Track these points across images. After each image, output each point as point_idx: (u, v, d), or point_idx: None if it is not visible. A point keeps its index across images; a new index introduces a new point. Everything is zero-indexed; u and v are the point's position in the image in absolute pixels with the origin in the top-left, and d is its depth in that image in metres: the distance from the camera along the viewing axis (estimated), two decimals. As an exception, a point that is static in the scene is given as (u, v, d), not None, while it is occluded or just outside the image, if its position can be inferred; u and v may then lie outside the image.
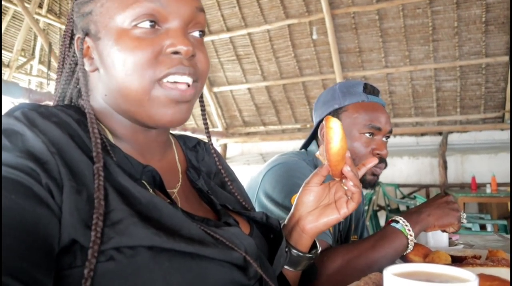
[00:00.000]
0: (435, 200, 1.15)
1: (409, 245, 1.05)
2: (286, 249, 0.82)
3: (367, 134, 1.33)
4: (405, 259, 1.10)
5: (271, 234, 0.81)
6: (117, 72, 0.64)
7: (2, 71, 7.09)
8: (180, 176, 0.78)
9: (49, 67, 6.61)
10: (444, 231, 1.12)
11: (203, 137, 0.92)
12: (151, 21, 0.63)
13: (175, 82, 0.64)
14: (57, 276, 0.50)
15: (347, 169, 0.80)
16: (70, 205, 0.52)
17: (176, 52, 0.64)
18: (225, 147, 8.83)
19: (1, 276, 0.41)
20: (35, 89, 7.45)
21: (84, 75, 0.68)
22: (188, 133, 6.83)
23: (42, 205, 0.50)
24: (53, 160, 0.54)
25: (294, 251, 0.86)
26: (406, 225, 1.06)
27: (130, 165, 0.65)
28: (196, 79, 0.67)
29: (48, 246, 0.48)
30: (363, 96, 1.37)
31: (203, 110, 0.83)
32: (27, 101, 4.59)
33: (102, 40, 0.65)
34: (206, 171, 0.86)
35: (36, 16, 6.33)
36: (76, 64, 0.72)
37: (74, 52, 0.72)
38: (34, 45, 7.74)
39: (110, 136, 0.68)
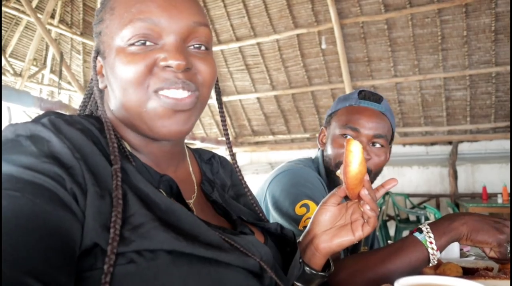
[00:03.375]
0: (483, 215, 1.01)
1: (430, 259, 0.95)
2: (300, 261, 0.82)
3: (344, 136, 1.32)
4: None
5: (286, 245, 0.81)
6: (117, 88, 0.67)
7: (15, 80, 7.19)
8: (195, 187, 0.79)
9: (60, 77, 6.69)
10: (483, 251, 0.99)
11: (211, 146, 0.93)
12: (144, 40, 0.65)
13: (172, 97, 0.65)
14: (78, 278, 0.51)
15: (364, 193, 0.79)
16: (93, 209, 0.54)
17: (168, 66, 0.65)
18: (234, 156, 8.82)
19: (24, 277, 0.43)
20: (46, 98, 7.55)
21: (98, 90, 0.72)
22: (197, 142, 6.85)
23: (66, 209, 0.51)
24: (78, 165, 0.56)
25: (307, 268, 0.85)
26: (430, 236, 0.96)
27: (148, 174, 0.67)
28: (196, 88, 0.68)
29: (70, 249, 0.50)
30: (353, 101, 1.38)
31: (223, 120, 0.84)
32: (38, 109, 4.64)
33: (107, 59, 0.69)
34: (220, 184, 0.87)
35: (48, 27, 6.43)
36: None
37: None
38: (46, 54, 7.85)
39: (127, 146, 0.70)
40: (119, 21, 0.67)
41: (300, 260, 0.82)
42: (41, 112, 0.72)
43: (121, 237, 0.53)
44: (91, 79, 0.76)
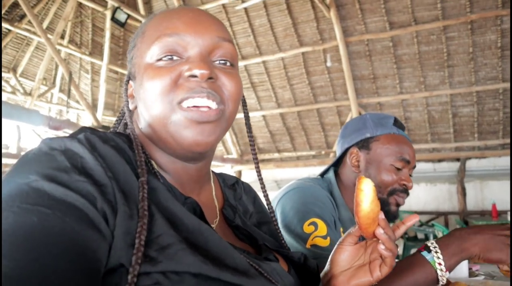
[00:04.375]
0: (492, 227, 0.98)
1: (439, 280, 0.93)
2: None
3: (397, 166, 1.34)
4: (423, 290, 1.07)
5: (307, 276, 0.79)
6: (145, 103, 0.68)
7: (24, 99, 7.29)
8: (218, 212, 0.79)
9: (68, 96, 6.77)
10: (498, 266, 0.97)
11: (216, 164, 0.93)
12: (171, 54, 0.68)
13: (196, 106, 0.66)
14: None
15: (379, 232, 0.75)
16: (122, 229, 0.53)
17: (193, 76, 0.66)
18: (239, 173, 8.83)
19: None
20: (55, 116, 7.63)
21: (128, 110, 0.74)
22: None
23: (94, 229, 0.51)
24: (110, 184, 0.56)
25: None
26: (438, 257, 0.94)
27: (174, 194, 0.67)
28: (221, 101, 0.68)
29: (95, 270, 0.49)
30: (394, 129, 1.40)
31: (252, 144, 0.84)
32: (47, 128, 4.69)
33: (137, 79, 0.71)
34: (242, 211, 0.87)
35: (58, 47, 6.54)
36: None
37: None
38: (55, 74, 7.97)
39: (155, 165, 0.70)
40: (149, 41, 0.69)
41: None
42: (49, 130, 0.73)
43: (148, 257, 0.53)
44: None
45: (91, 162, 0.57)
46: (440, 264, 0.93)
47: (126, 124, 0.80)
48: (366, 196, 0.72)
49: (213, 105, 0.66)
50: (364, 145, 1.41)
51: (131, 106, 0.75)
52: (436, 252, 0.94)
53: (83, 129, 0.65)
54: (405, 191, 1.34)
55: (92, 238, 0.50)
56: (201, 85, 0.66)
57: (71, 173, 0.54)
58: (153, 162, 0.70)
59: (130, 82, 0.75)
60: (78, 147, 0.58)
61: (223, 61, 0.71)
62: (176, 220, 0.60)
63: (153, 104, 0.66)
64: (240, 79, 0.73)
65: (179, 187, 0.71)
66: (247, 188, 0.96)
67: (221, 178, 0.90)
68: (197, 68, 0.65)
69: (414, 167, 1.38)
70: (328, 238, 1.17)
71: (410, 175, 1.38)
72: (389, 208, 1.32)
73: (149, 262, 0.52)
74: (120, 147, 0.64)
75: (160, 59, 0.67)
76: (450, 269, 0.94)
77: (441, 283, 0.93)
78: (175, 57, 0.68)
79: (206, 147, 0.68)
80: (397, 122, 1.42)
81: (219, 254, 0.59)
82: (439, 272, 0.93)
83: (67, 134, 0.62)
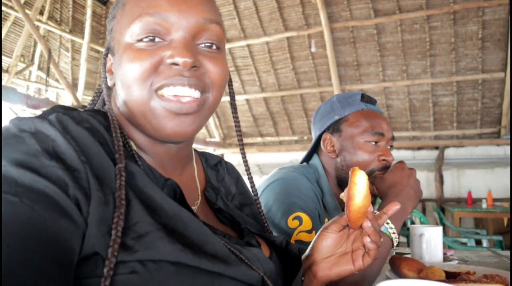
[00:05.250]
0: (403, 177, 1.18)
1: (394, 244, 1.05)
2: (302, 279, 0.78)
3: (372, 142, 1.31)
4: (399, 274, 1.10)
5: (289, 260, 0.78)
6: (122, 85, 0.65)
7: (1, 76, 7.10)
8: (199, 194, 0.77)
9: (47, 74, 6.62)
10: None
11: (199, 147, 0.92)
12: (152, 35, 0.64)
13: (176, 95, 0.63)
14: (76, 284, 0.49)
15: (367, 225, 0.74)
16: (96, 216, 0.51)
17: (175, 64, 0.63)
18: (222, 157, 8.81)
19: None
20: (33, 95, 7.45)
21: (106, 87, 0.71)
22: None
23: (66, 217, 0.49)
24: (83, 168, 0.53)
25: None
26: (391, 227, 1.04)
27: (153, 176, 0.64)
28: (204, 90, 0.66)
29: (67, 258, 0.47)
30: (361, 105, 1.36)
31: (238, 126, 0.82)
32: (25, 106, 4.58)
33: (116, 56, 0.67)
34: (225, 192, 0.85)
35: (36, 23, 6.35)
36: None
37: None
38: (34, 51, 7.75)
39: (134, 147, 0.68)
40: (129, 17, 0.65)
41: (302, 278, 0.78)
42: (28, 109, 0.69)
43: (124, 245, 0.51)
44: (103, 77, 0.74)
45: (63, 145, 0.54)
46: (394, 232, 1.04)
47: (104, 103, 0.76)
48: (359, 191, 0.71)
49: (195, 94, 0.64)
50: (335, 128, 1.38)
51: (109, 83, 0.72)
52: (388, 224, 1.05)
53: (55, 109, 0.62)
54: (385, 168, 1.31)
55: (63, 227, 0.48)
56: (182, 73, 0.63)
57: (41, 157, 0.51)
58: (131, 143, 0.68)
59: (109, 56, 0.71)
60: (49, 128, 0.55)
61: (208, 44, 0.67)
62: (155, 205, 0.58)
63: (131, 88, 0.64)
64: (225, 64, 0.70)
65: (159, 167, 0.69)
66: (230, 168, 0.94)
67: (204, 158, 0.87)
68: (180, 56, 0.62)
69: (393, 138, 1.36)
70: (313, 232, 1.16)
71: (391, 147, 1.36)
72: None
73: (125, 250, 0.50)
74: (95, 129, 0.60)
75: (140, 40, 0.64)
76: (398, 232, 1.06)
77: (395, 245, 1.06)
78: (157, 39, 0.64)
79: (186, 137, 0.66)
80: (364, 98, 1.38)
81: (199, 241, 0.57)
82: (394, 240, 1.04)
83: (37, 114, 0.59)
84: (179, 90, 0.63)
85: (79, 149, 0.55)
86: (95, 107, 0.78)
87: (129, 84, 0.64)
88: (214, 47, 0.68)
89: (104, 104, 0.76)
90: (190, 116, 0.65)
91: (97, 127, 0.61)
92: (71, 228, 0.49)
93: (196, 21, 0.65)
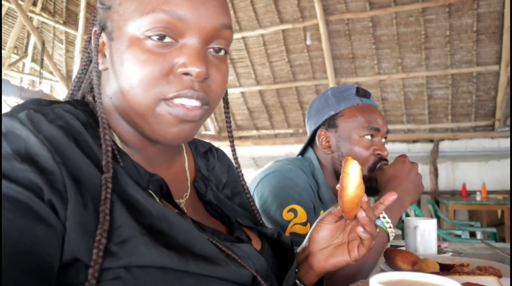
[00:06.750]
0: (403, 171, 1.19)
1: (390, 238, 1.06)
2: (296, 270, 0.78)
3: (367, 137, 1.32)
4: (393, 266, 1.10)
5: (282, 252, 0.78)
6: (124, 81, 0.61)
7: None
8: (189, 185, 0.75)
9: (41, 66, 6.57)
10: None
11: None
12: (164, 35, 0.59)
13: (183, 104, 0.61)
14: None
15: (362, 215, 0.73)
16: (74, 220, 0.48)
17: (187, 73, 0.60)
18: (217, 149, 8.80)
19: None
20: (27, 87, 7.39)
21: (98, 74, 0.65)
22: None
23: (42, 223, 0.46)
24: (58, 170, 0.50)
25: (300, 283, 0.81)
26: (388, 222, 1.05)
27: (137, 173, 0.62)
28: (207, 103, 0.64)
29: (46, 267, 0.45)
30: (357, 99, 1.36)
31: (228, 121, 0.80)
32: (18, 99, 4.55)
33: (115, 42, 0.62)
34: (215, 182, 0.83)
35: (30, 14, 6.29)
36: (91, 60, 0.70)
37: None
38: (27, 43, 7.68)
39: (118, 141, 0.65)
40: (139, 6, 0.59)
41: (296, 270, 0.78)
42: (22, 102, 0.64)
43: (107, 251, 0.48)
44: (82, 57, 0.70)
45: (36, 146, 0.50)
46: (390, 227, 1.06)
47: (91, 89, 0.70)
48: (352, 181, 0.70)
49: (199, 105, 0.62)
50: (330, 123, 1.38)
51: (101, 66, 0.65)
52: (384, 218, 1.06)
53: (26, 105, 0.58)
54: (382, 160, 1.33)
55: (40, 234, 0.45)
56: (193, 86, 0.60)
57: (12, 160, 0.48)
58: (117, 140, 0.65)
59: (103, 34, 0.65)
60: (20, 128, 0.51)
61: (217, 49, 0.65)
62: (137, 206, 0.55)
63: (135, 90, 0.59)
64: (227, 69, 0.68)
65: (145, 162, 0.67)
66: (221, 155, 0.92)
67: (194, 145, 0.85)
68: (194, 66, 0.58)
69: (387, 131, 1.37)
70: (308, 224, 1.16)
71: (385, 138, 1.38)
72: (370, 184, 1.30)
73: (108, 257, 0.48)
74: (70, 127, 0.56)
75: (149, 37, 0.59)
76: (395, 226, 1.07)
77: (391, 239, 1.07)
78: (167, 39, 0.60)
79: (184, 142, 0.66)
80: (359, 92, 1.38)
81: (186, 241, 0.55)
82: (390, 234, 1.05)
83: (7, 111, 0.55)
84: (186, 101, 0.61)
85: (53, 149, 0.51)
86: (81, 90, 0.72)
87: (132, 85, 0.60)
88: (222, 52, 0.66)
89: (91, 88, 0.70)
90: (193, 123, 0.63)
91: (73, 125, 0.57)
92: (49, 235, 0.46)
93: (212, 27, 0.62)
